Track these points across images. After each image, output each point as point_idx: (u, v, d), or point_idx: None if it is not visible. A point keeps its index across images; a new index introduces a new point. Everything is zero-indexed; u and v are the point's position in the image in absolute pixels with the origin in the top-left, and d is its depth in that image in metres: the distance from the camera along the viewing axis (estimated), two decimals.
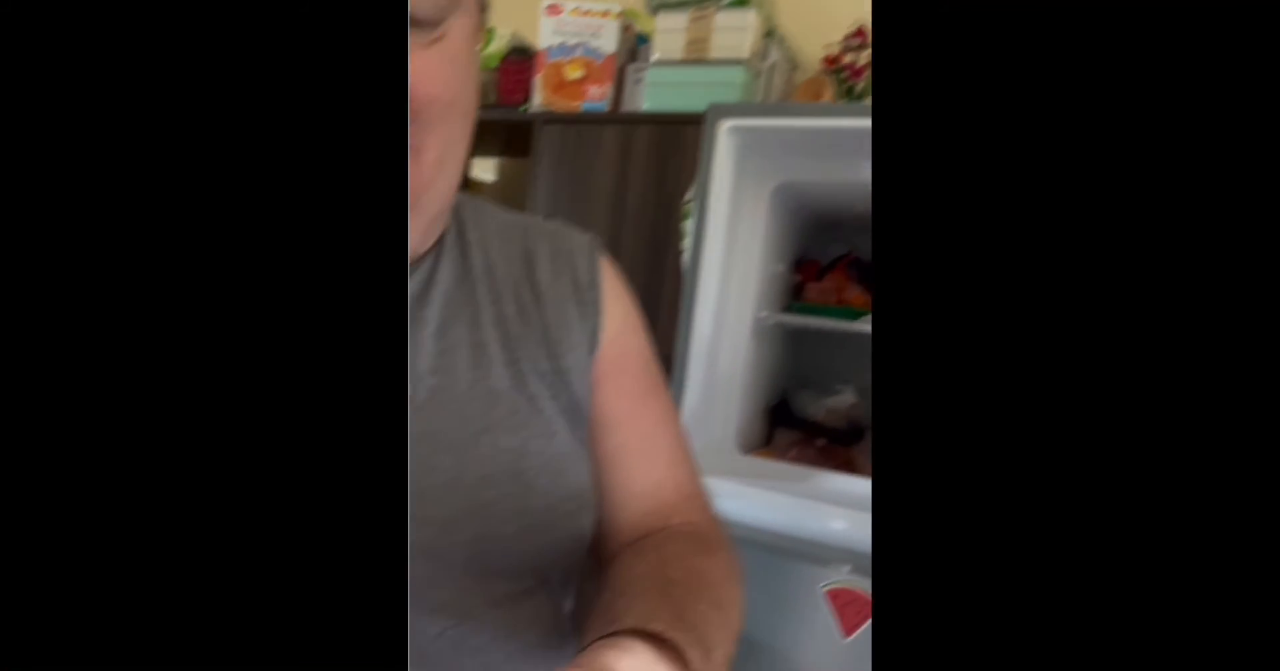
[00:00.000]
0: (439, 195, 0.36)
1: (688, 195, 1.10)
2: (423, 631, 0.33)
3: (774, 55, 1.23)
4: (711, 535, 0.41)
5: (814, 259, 1.22)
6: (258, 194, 0.23)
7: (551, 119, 1.30)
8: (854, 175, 0.95)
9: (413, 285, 0.37)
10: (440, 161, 0.34)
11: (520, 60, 1.34)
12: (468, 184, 1.62)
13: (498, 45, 1.37)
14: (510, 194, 1.66)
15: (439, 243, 0.39)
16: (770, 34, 1.23)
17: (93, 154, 0.22)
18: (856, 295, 1.12)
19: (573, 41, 1.26)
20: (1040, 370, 0.21)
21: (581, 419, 0.40)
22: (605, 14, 1.26)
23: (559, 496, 0.38)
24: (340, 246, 0.24)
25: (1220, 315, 0.20)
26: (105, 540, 0.22)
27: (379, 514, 0.23)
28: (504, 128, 1.39)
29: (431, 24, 0.31)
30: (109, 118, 0.23)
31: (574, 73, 1.27)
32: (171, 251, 0.23)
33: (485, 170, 1.78)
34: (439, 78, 0.31)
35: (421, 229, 0.36)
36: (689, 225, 1.03)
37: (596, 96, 1.27)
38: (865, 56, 1.19)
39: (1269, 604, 0.20)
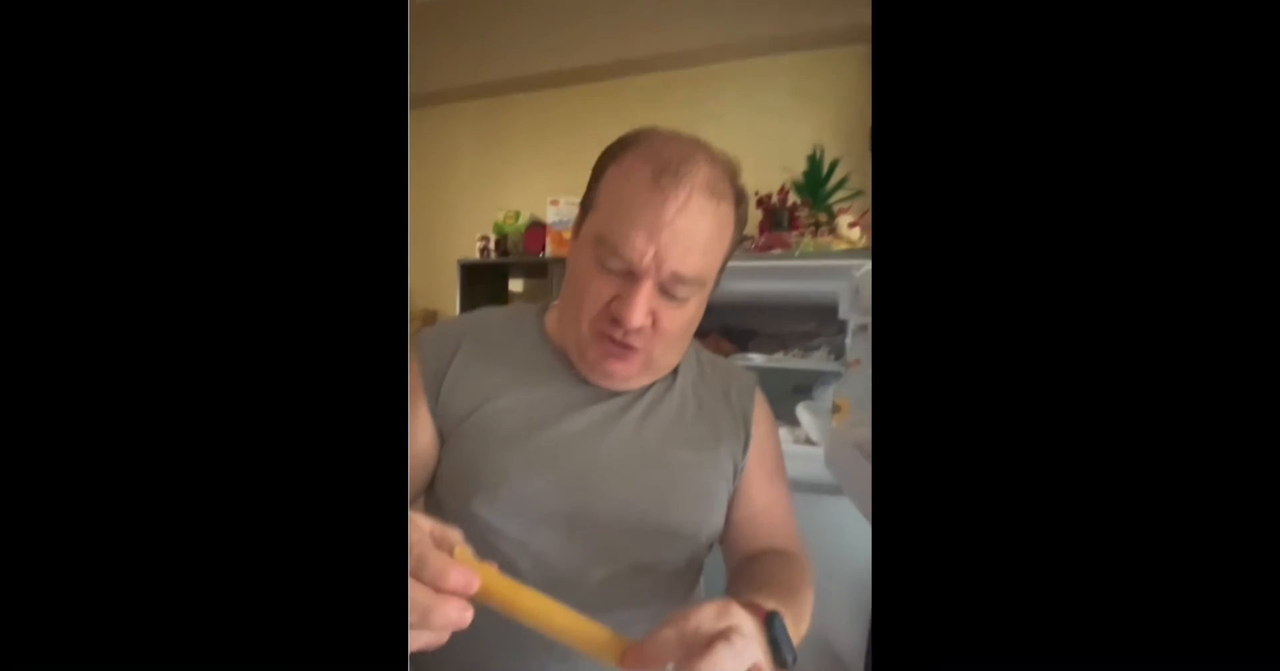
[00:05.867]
0: (670, 359, 0.63)
1: None
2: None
3: None
4: (798, 557, 0.62)
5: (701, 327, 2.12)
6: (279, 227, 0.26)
7: (556, 260, 2.28)
8: (725, 286, 1.80)
9: (643, 393, 0.64)
10: (670, 346, 0.60)
11: (537, 228, 2.34)
12: (506, 295, 2.61)
13: (523, 220, 2.40)
14: (533, 298, 2.61)
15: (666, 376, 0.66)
16: None
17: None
18: (726, 345, 2.03)
19: (566, 218, 2.27)
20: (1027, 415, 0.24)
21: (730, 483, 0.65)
22: None
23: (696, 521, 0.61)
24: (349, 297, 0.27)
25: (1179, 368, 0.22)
26: (121, 519, 0.22)
27: (382, 520, 0.23)
28: (529, 264, 2.39)
29: (684, 300, 0.56)
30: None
31: (567, 235, 2.23)
32: (196, 259, 0.25)
33: (517, 286, 2.77)
34: (679, 320, 0.58)
35: (655, 372, 0.63)
36: None
37: None
38: (791, 200, 2.04)
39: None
